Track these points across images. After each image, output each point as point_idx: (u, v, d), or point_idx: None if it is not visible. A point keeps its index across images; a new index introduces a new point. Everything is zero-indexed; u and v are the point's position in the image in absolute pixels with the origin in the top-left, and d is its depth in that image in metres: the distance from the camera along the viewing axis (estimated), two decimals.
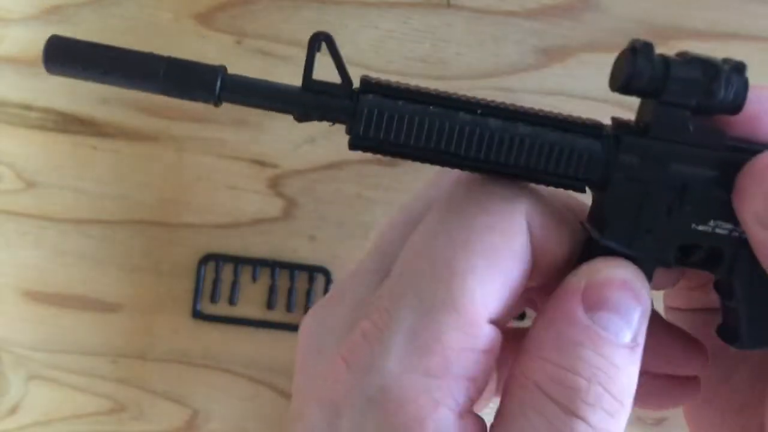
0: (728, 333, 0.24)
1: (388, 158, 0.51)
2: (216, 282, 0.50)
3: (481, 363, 0.20)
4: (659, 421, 0.50)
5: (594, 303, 0.20)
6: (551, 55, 0.49)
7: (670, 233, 0.23)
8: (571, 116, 0.22)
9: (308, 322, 0.22)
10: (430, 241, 0.21)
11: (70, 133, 0.50)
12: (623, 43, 0.52)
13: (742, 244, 0.22)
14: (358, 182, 0.50)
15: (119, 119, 0.50)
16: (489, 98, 0.22)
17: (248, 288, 0.50)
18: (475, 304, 0.19)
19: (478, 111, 0.22)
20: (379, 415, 0.19)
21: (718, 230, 0.23)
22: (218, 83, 0.21)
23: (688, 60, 0.22)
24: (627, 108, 0.49)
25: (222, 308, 0.50)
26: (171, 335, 0.50)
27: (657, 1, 0.49)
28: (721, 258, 0.23)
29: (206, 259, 0.50)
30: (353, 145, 0.23)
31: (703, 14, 0.49)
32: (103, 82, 0.22)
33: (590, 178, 0.22)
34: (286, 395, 0.50)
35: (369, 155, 0.52)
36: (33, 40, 0.50)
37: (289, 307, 0.50)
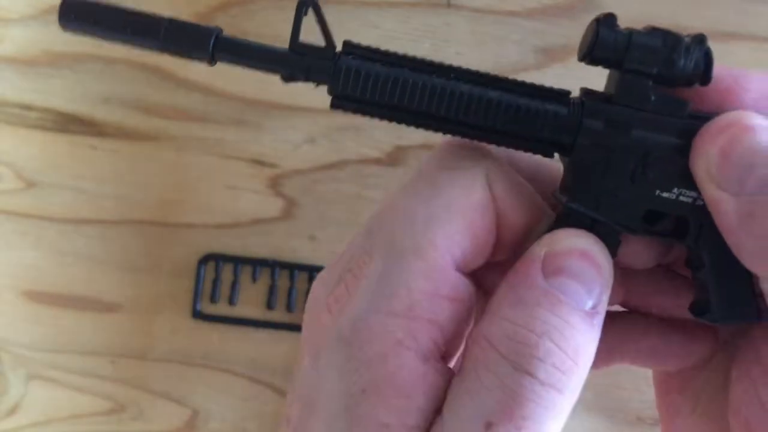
0: (699, 307, 0.24)
1: (388, 158, 0.51)
2: (216, 282, 0.50)
3: (447, 309, 0.21)
4: (659, 422, 0.50)
5: (554, 269, 0.20)
6: (552, 54, 0.49)
7: (635, 199, 0.23)
8: (540, 85, 0.23)
9: (315, 284, 0.24)
10: (400, 197, 0.22)
11: (70, 133, 0.50)
12: None
13: (707, 214, 0.22)
14: (358, 182, 0.50)
15: (119, 119, 0.50)
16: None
17: (248, 288, 0.50)
18: (437, 250, 0.21)
19: (452, 75, 0.23)
20: (347, 351, 0.20)
21: (681, 198, 0.23)
22: (212, 42, 0.23)
23: (649, 30, 0.23)
24: None
25: (222, 308, 0.50)
26: (171, 335, 0.50)
27: (656, 0, 0.49)
28: (687, 228, 0.23)
29: (206, 259, 0.50)
30: (333, 105, 0.24)
31: (703, 13, 0.49)
32: (110, 38, 0.23)
33: (556, 141, 0.23)
34: (285, 395, 0.50)
35: (369, 155, 0.52)
36: (32, 40, 0.50)
37: (289, 308, 0.50)
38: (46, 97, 0.50)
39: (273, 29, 0.49)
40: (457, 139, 0.24)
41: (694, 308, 0.25)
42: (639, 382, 0.50)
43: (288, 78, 0.24)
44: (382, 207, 0.23)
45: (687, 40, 0.23)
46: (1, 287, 0.51)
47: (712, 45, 0.50)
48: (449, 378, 0.21)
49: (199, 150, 0.50)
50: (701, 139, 0.21)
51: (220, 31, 0.24)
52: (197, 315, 0.50)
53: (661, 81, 0.23)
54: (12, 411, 0.51)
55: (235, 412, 0.50)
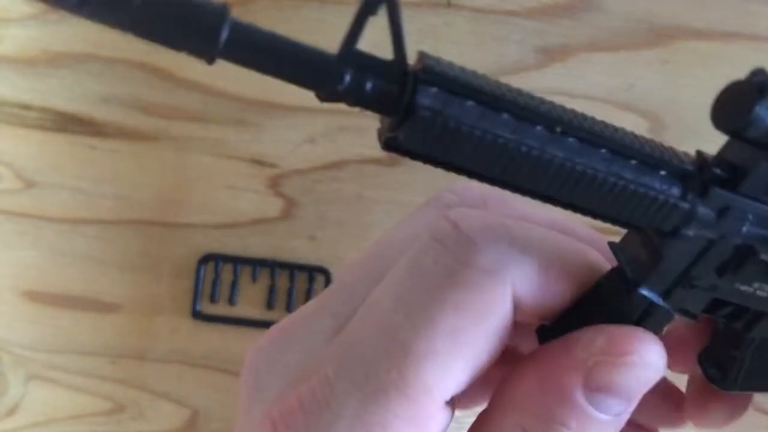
0: (717, 374, 0.23)
1: (388, 158, 0.51)
2: (215, 282, 0.50)
3: None
4: None
5: (599, 386, 0.17)
6: (552, 54, 0.49)
7: (711, 289, 0.20)
8: (655, 144, 0.18)
9: (254, 358, 0.20)
10: (388, 309, 0.18)
11: (69, 133, 0.50)
12: (624, 43, 0.51)
13: None
14: (358, 182, 0.50)
15: (118, 119, 0.50)
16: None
17: (248, 288, 0.50)
18: (429, 393, 0.17)
19: (557, 129, 0.17)
20: None
21: (759, 293, 0.21)
22: (224, 31, 0.15)
23: None
24: (628, 109, 0.49)
25: (222, 308, 0.50)
26: (170, 335, 0.50)
27: (657, 0, 0.49)
28: (745, 313, 0.21)
29: (206, 259, 0.50)
30: (390, 146, 0.17)
31: (704, 14, 0.49)
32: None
33: (659, 228, 0.18)
34: None
35: (369, 155, 0.52)
36: (31, 39, 0.50)
37: (289, 308, 0.50)
38: (45, 96, 0.50)
39: (273, 28, 0.49)
40: (473, 213, 0.19)
41: (708, 372, 0.24)
42: None
43: (329, 97, 0.16)
44: (366, 309, 0.18)
45: None
46: (1, 287, 0.50)
47: (713, 45, 0.50)
48: None
49: (199, 150, 0.50)
50: None
51: (232, 17, 0.16)
52: (197, 315, 0.50)
53: None
54: (11, 411, 0.51)
55: (234, 413, 0.50)
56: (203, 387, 0.50)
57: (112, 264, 0.50)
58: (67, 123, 0.50)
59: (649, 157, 0.17)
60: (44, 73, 0.50)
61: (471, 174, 0.17)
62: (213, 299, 0.50)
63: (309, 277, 0.49)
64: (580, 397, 0.17)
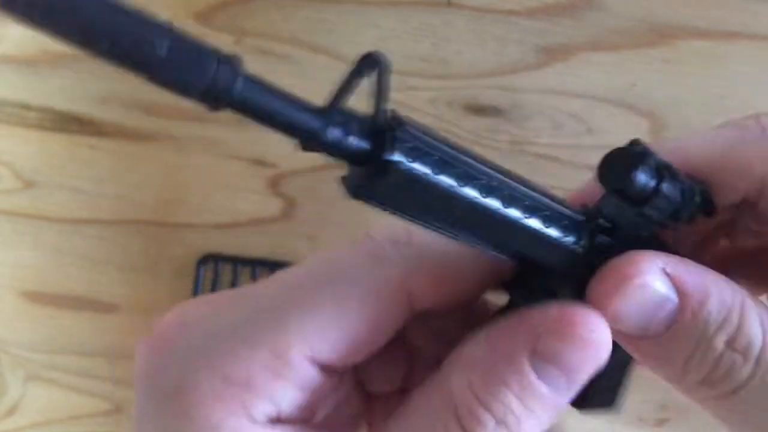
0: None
1: None
2: (215, 282, 0.50)
3: (293, 396, 0.20)
4: (661, 422, 0.50)
5: (543, 355, 0.19)
6: (553, 54, 0.49)
7: None
8: (559, 204, 0.21)
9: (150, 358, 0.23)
10: (303, 267, 0.22)
11: (68, 133, 0.50)
12: (625, 42, 0.51)
13: None
14: None
15: (117, 118, 0.50)
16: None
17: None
18: (289, 346, 0.20)
19: (494, 184, 0.19)
20: (170, 412, 0.20)
21: None
22: (237, 84, 0.16)
23: (673, 179, 0.22)
24: (629, 108, 0.49)
25: None
26: None
27: (658, 0, 0.49)
28: None
29: (205, 259, 0.50)
30: (359, 195, 0.19)
31: (705, 13, 0.49)
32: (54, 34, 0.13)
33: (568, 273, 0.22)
34: None
35: None
36: (31, 39, 0.49)
37: None
38: (44, 96, 0.50)
39: (273, 28, 0.49)
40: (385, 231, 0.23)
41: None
42: (640, 382, 0.50)
43: (308, 147, 0.19)
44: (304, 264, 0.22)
45: (700, 187, 0.23)
46: (0, 287, 0.50)
47: (714, 44, 0.50)
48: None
49: (199, 150, 0.50)
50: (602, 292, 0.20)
51: (235, 63, 0.16)
52: None
53: (660, 225, 0.23)
54: (10, 412, 0.51)
55: None
56: None
57: (112, 264, 0.50)
58: (67, 123, 0.50)
59: (555, 210, 0.21)
60: (44, 73, 0.50)
61: (425, 224, 0.19)
62: None
63: None
64: (525, 361, 0.19)
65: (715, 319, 0.19)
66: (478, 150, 0.19)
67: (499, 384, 0.19)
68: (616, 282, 0.20)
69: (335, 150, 0.18)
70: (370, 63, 0.17)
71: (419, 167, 0.18)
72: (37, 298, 0.50)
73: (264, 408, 0.20)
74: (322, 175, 0.50)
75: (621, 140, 0.23)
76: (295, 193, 0.50)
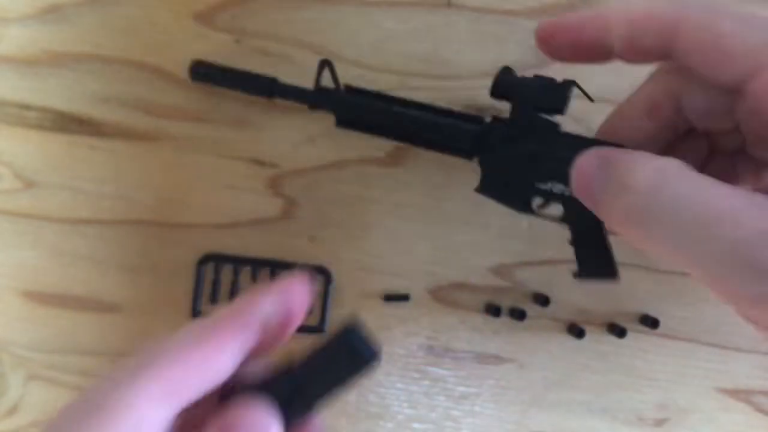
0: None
1: (388, 158, 0.51)
2: (215, 282, 0.50)
3: None
4: (661, 422, 0.50)
5: None
6: None
7: (524, 188, 0.37)
8: (463, 111, 0.41)
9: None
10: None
11: (69, 133, 0.50)
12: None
13: (574, 200, 0.32)
14: (358, 182, 0.50)
15: (117, 118, 0.50)
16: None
17: (248, 288, 0.50)
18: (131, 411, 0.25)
19: (412, 106, 0.41)
20: None
21: (554, 189, 0.37)
22: (271, 86, 0.47)
23: (537, 78, 0.37)
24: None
25: None
26: (170, 335, 0.50)
27: (656, 0, 0.49)
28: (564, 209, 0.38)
29: (205, 259, 0.50)
30: (338, 124, 0.43)
31: None
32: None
33: (471, 150, 0.40)
34: None
35: (369, 155, 0.52)
36: (31, 39, 0.49)
37: None
38: (44, 96, 0.50)
39: (274, 28, 0.49)
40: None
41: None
42: (639, 381, 0.50)
43: (313, 107, 0.43)
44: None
45: (559, 83, 0.37)
46: (0, 287, 0.50)
47: None
48: None
49: (199, 150, 0.50)
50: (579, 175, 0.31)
51: (276, 79, 0.45)
52: (197, 315, 0.50)
53: (540, 110, 0.37)
54: (11, 411, 0.51)
55: None
56: None
57: (112, 264, 0.50)
58: (67, 123, 0.50)
59: (463, 116, 0.40)
60: (44, 73, 0.50)
61: (374, 132, 0.42)
62: (213, 299, 0.50)
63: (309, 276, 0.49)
64: None
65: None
66: None
67: None
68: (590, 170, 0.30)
69: (325, 106, 0.44)
70: (325, 62, 0.35)
71: (360, 99, 0.42)
72: (38, 298, 0.50)
73: None
74: (323, 176, 0.50)
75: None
76: (295, 194, 0.50)
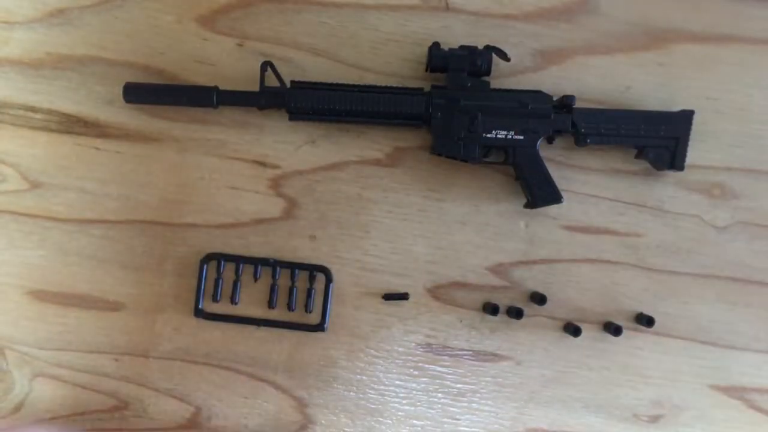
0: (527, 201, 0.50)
1: (387, 159, 0.51)
2: (218, 281, 0.50)
3: None
4: (655, 418, 0.51)
5: None
6: (548, 57, 0.50)
7: (472, 140, 0.48)
8: (402, 86, 0.50)
9: None
10: None
11: (74, 134, 0.50)
12: (620, 46, 0.52)
13: (516, 142, 0.48)
14: (358, 182, 0.50)
15: (122, 120, 0.50)
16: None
17: (249, 287, 0.51)
18: None
19: (355, 90, 0.49)
20: None
21: (499, 135, 0.48)
22: (214, 96, 0.48)
23: (462, 48, 0.47)
24: (625, 107, 0.49)
25: (224, 307, 0.51)
26: (173, 334, 0.51)
27: (653, 3, 0.50)
28: (508, 154, 0.49)
29: (208, 258, 0.50)
30: (291, 118, 0.49)
31: (698, 17, 0.50)
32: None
33: (420, 114, 0.48)
34: (287, 392, 0.51)
35: (369, 156, 0.52)
36: (37, 42, 0.50)
37: (290, 306, 0.50)
38: (50, 98, 0.50)
39: (274, 32, 0.50)
40: None
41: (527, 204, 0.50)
42: (635, 379, 0.51)
43: (262, 108, 0.48)
44: None
45: (481, 49, 0.47)
46: (6, 286, 0.51)
47: (708, 47, 0.51)
48: None
49: (201, 151, 0.50)
50: None
51: (216, 87, 0.48)
52: (199, 313, 0.50)
53: (471, 74, 0.47)
54: (17, 408, 0.51)
55: (237, 409, 0.51)
56: (206, 384, 0.51)
57: (116, 263, 0.51)
58: (72, 124, 0.50)
59: (404, 89, 0.49)
60: (49, 76, 0.50)
61: (328, 119, 0.49)
62: (215, 298, 0.50)
63: (310, 276, 0.50)
64: None
65: None
66: None
67: None
68: None
69: (273, 103, 0.49)
70: (266, 63, 0.48)
71: (307, 92, 0.49)
72: (43, 296, 0.51)
73: None
74: (323, 176, 0.50)
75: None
76: (296, 194, 0.50)
